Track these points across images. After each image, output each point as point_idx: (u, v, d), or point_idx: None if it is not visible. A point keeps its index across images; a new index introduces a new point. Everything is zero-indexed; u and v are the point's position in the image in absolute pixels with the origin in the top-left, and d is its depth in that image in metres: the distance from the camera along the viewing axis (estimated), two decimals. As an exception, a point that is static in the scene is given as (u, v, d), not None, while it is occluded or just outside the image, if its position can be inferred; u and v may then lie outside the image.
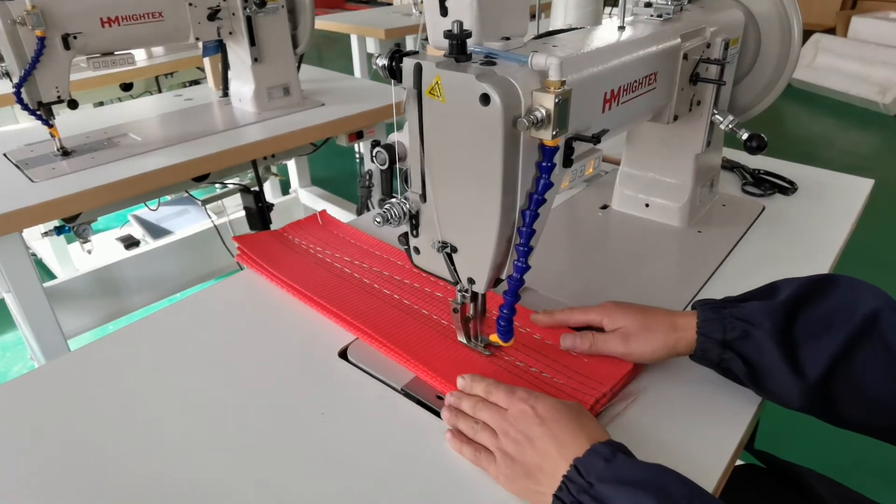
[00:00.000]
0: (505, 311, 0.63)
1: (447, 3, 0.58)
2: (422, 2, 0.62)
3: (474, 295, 0.66)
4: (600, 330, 0.70)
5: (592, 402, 0.63)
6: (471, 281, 0.63)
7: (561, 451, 0.53)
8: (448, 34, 0.54)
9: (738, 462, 0.90)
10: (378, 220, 0.62)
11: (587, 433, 0.54)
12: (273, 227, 1.74)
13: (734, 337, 0.61)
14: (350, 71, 3.31)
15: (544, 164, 0.56)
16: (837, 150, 3.79)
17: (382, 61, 0.58)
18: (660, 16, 0.82)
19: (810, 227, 1.00)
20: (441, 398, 0.66)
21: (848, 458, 1.58)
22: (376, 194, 0.65)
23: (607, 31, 0.73)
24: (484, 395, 0.61)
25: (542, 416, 0.56)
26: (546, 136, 0.53)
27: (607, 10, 1.28)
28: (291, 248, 0.94)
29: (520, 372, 0.68)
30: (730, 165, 1.20)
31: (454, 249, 0.63)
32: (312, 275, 0.86)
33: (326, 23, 3.20)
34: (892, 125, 4.08)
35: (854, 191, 1.12)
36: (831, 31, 4.98)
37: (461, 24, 0.54)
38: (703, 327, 0.63)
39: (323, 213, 1.04)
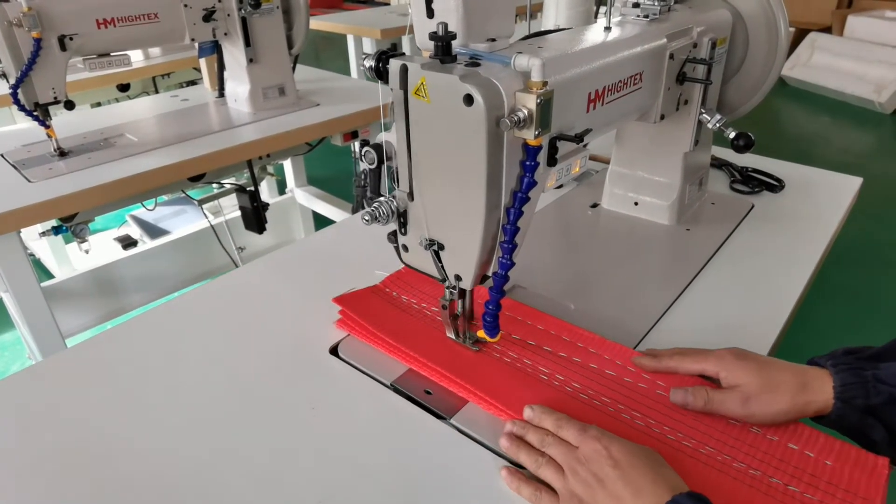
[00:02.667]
0: (490, 307, 0.64)
1: (433, 5, 0.59)
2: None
3: (462, 292, 0.68)
4: (716, 381, 0.64)
5: None
6: (458, 278, 0.65)
7: (637, 498, 0.50)
8: (433, 36, 0.55)
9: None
10: (366, 218, 0.63)
11: (667, 481, 0.51)
12: (269, 226, 1.76)
13: (879, 403, 0.56)
14: (347, 71, 3.33)
15: (528, 163, 0.57)
16: (833, 148, 3.80)
17: (370, 63, 0.60)
18: (646, 16, 0.83)
19: (798, 225, 1.02)
20: (429, 393, 0.68)
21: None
22: (372, 194, 0.66)
23: (593, 32, 0.74)
24: (553, 430, 0.58)
25: (616, 459, 0.53)
26: (529, 135, 0.54)
27: (602, 10, 1.29)
28: (398, 306, 0.80)
29: (731, 470, 0.57)
30: (718, 163, 1.21)
31: (441, 247, 0.64)
32: (428, 339, 0.73)
33: (323, 23, 3.21)
34: (887, 123, 4.09)
35: (842, 189, 1.13)
36: (827, 29, 5.00)
37: (446, 25, 0.55)
38: (844, 392, 0.57)
39: None
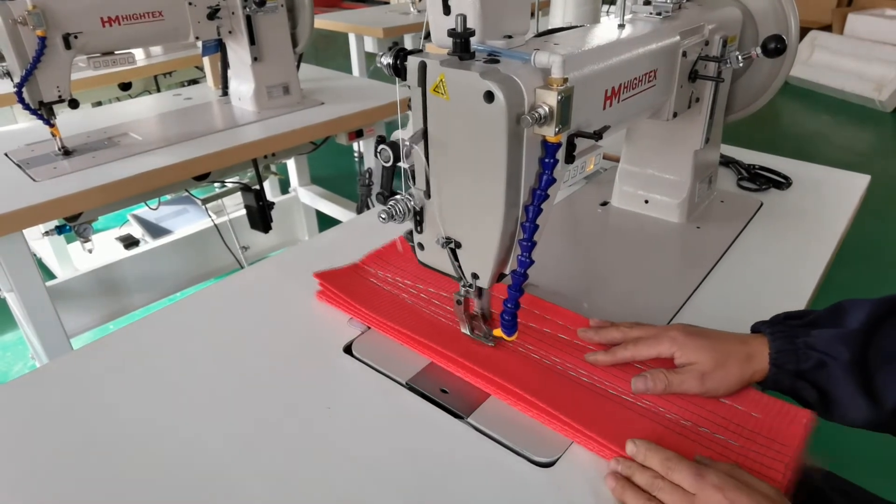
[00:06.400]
0: (509, 306, 0.64)
1: (449, 2, 0.59)
2: (420, 0, 0.63)
3: (479, 290, 0.67)
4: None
5: (783, 471, 0.56)
6: (475, 276, 0.64)
7: None
8: (452, 32, 0.55)
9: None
10: (383, 216, 0.63)
11: None
12: (273, 225, 1.75)
13: (809, 367, 0.60)
14: (348, 70, 3.32)
15: (547, 160, 0.57)
16: (835, 146, 3.80)
17: (387, 59, 0.59)
18: (659, 14, 0.83)
19: (808, 223, 1.01)
20: (445, 392, 0.67)
21: (845, 451, 1.60)
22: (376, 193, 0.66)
23: (607, 29, 0.74)
24: (662, 472, 0.54)
25: None
26: (549, 132, 0.54)
27: (605, 8, 1.29)
28: (378, 280, 0.85)
29: (672, 425, 0.61)
30: (725, 161, 1.21)
31: (458, 245, 0.63)
32: (404, 311, 0.78)
33: (324, 22, 3.20)
34: (888, 122, 4.10)
35: (849, 187, 1.13)
36: (828, 28, 5.00)
37: (465, 20, 0.54)
38: (777, 358, 0.62)
39: (402, 239, 0.89)
